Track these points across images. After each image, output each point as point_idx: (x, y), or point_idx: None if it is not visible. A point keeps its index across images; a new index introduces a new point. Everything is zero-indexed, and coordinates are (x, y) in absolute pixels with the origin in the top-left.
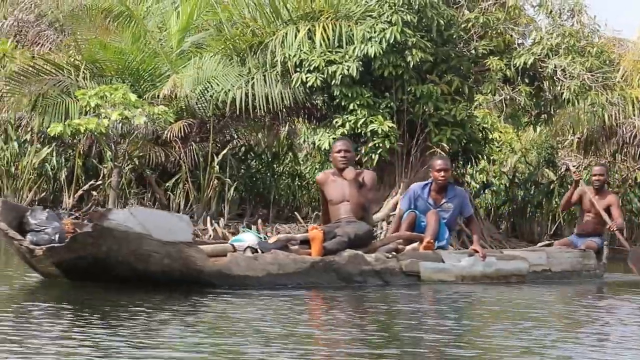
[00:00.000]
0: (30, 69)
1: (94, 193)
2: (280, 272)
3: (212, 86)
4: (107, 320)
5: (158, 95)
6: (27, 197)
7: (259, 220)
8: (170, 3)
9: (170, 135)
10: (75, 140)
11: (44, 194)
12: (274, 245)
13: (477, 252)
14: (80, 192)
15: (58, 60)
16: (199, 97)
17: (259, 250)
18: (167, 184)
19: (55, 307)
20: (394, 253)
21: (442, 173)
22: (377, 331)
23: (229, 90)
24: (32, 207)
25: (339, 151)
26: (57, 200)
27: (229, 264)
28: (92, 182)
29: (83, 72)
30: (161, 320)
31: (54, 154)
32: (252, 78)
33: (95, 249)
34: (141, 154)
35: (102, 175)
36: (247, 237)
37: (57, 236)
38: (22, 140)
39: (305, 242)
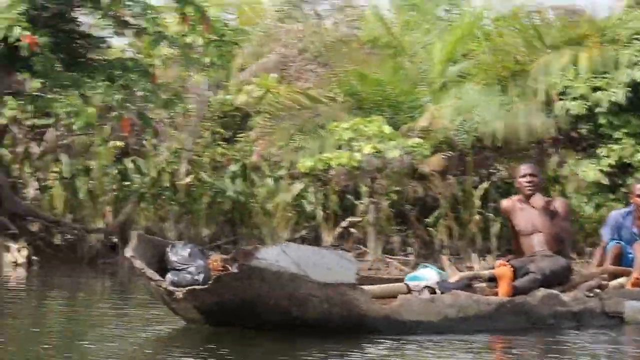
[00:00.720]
0: (289, 103)
1: (353, 230)
2: (460, 316)
3: (472, 117)
4: None
5: (415, 128)
6: (283, 235)
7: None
8: (434, 33)
9: (428, 169)
10: (330, 176)
11: (304, 231)
12: (455, 285)
13: None
14: (338, 229)
15: (316, 94)
16: (458, 129)
17: (437, 290)
18: (427, 220)
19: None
20: (596, 290)
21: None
22: None
23: (490, 120)
24: (173, 241)
25: (524, 176)
26: (317, 238)
27: (399, 308)
28: (350, 218)
29: (341, 105)
30: None
31: (311, 190)
32: (514, 107)
33: (242, 292)
34: (398, 188)
35: (359, 211)
36: (427, 275)
37: (200, 276)
38: (277, 176)
39: (493, 280)
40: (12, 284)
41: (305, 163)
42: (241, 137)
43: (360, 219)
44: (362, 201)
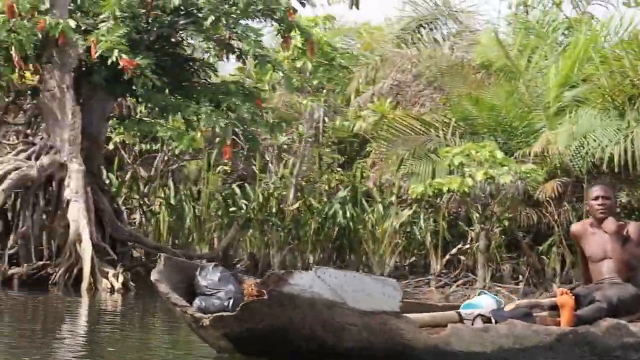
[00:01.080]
0: (403, 128)
1: (462, 257)
2: (516, 347)
3: (587, 142)
4: None
5: (529, 153)
6: (390, 262)
7: None
8: (551, 57)
9: (542, 195)
10: (441, 202)
11: (413, 258)
12: (511, 313)
13: None
14: (447, 256)
15: (429, 119)
16: (573, 154)
17: (492, 319)
18: (539, 247)
19: None
20: None
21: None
22: None
23: (606, 146)
24: (203, 264)
25: (596, 198)
26: (426, 265)
27: (448, 338)
28: (459, 245)
29: (453, 129)
30: None
31: (421, 216)
32: (632, 132)
33: (272, 319)
34: (511, 215)
35: (469, 238)
36: (483, 302)
37: (230, 301)
38: (387, 202)
39: (555, 308)
40: (108, 309)
41: (416, 189)
42: (359, 163)
43: (469, 246)
44: (472, 228)
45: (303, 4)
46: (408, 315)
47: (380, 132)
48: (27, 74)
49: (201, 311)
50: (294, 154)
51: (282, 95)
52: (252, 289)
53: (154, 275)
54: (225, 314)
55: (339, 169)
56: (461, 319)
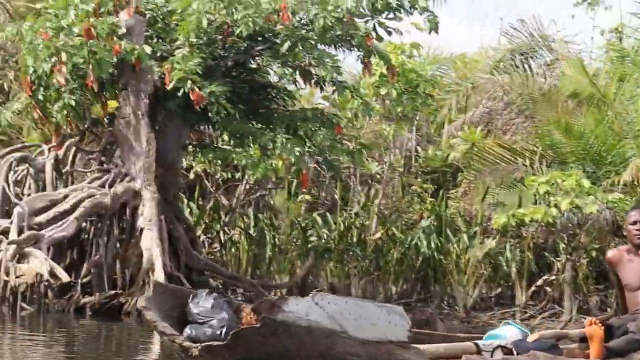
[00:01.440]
0: (491, 157)
1: (548, 289)
2: None
3: None
4: None
5: (617, 182)
6: (474, 293)
7: None
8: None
9: None
10: (527, 232)
11: (499, 289)
12: (534, 345)
13: None
14: (533, 288)
15: (518, 147)
16: None
17: (513, 351)
18: None
19: None
20: None
21: None
22: None
23: None
24: (195, 291)
25: (635, 222)
26: (512, 297)
27: None
28: (545, 276)
29: (540, 158)
30: None
31: (507, 246)
32: None
33: (266, 348)
34: (598, 245)
35: (556, 269)
36: (508, 333)
37: (223, 330)
38: (473, 232)
39: (585, 340)
40: None
41: (498, 219)
42: (447, 192)
43: (556, 277)
44: (559, 258)
45: (389, 33)
46: (418, 346)
47: (469, 161)
48: (110, 103)
49: (192, 340)
50: (378, 182)
51: (374, 122)
52: (250, 317)
53: (140, 302)
54: (215, 343)
55: (431, 198)
56: (479, 351)
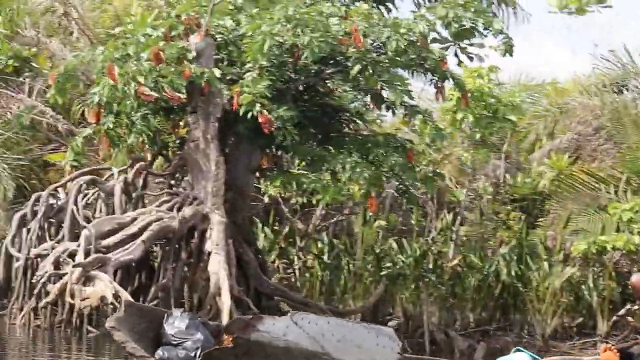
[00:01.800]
0: (576, 184)
1: (630, 319)
2: None
3: None
4: None
5: None
6: (552, 322)
7: None
8: None
9: None
10: (609, 260)
11: (581, 319)
12: None
13: None
14: (614, 317)
15: (603, 174)
16: None
17: None
18: None
19: None
20: None
21: None
22: None
23: None
24: (169, 311)
25: None
26: (593, 326)
27: None
28: (628, 306)
29: (624, 185)
30: None
31: (589, 275)
32: None
33: None
34: None
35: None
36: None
37: (197, 352)
38: (553, 260)
39: None
40: None
41: (578, 247)
42: (539, 221)
43: (638, 307)
44: None
45: (471, 58)
46: None
47: (557, 189)
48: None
49: None
50: (465, 209)
51: (461, 149)
52: (229, 342)
53: (109, 322)
54: None
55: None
56: None
